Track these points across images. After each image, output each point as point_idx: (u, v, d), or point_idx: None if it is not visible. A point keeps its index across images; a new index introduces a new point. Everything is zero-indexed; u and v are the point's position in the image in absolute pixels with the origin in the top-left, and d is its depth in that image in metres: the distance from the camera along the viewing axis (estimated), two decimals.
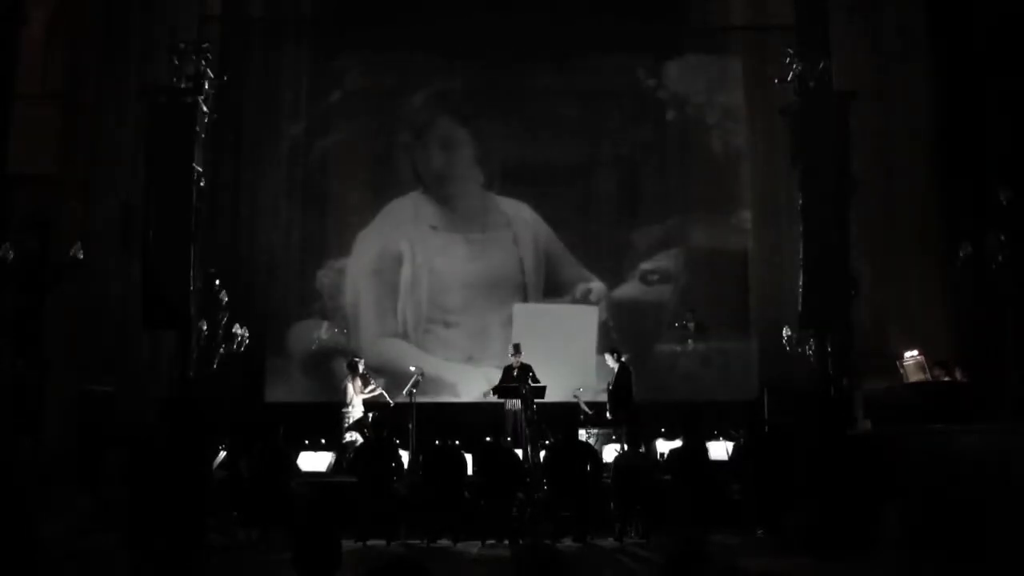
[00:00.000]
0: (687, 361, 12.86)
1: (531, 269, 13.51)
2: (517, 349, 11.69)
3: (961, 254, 8.87)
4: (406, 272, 13.46)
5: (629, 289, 13.47)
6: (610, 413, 11.31)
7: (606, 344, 12.60)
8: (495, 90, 13.70)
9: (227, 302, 11.37)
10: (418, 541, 8.64)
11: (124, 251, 10.82)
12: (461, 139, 13.74)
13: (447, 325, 13.32)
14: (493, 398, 11.38)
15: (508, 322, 13.19)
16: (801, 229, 10.17)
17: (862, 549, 7.44)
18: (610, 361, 11.58)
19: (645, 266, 13.50)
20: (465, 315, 13.33)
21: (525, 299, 13.44)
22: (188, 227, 10.18)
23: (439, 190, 13.70)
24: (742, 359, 13.06)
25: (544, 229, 13.57)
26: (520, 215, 13.60)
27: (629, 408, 11.17)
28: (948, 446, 7.33)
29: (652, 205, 13.68)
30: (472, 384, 12.69)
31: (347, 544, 4.11)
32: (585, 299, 13.45)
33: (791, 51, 10.41)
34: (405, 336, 13.32)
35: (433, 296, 13.43)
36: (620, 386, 11.36)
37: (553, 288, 13.52)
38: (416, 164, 13.74)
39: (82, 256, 9.60)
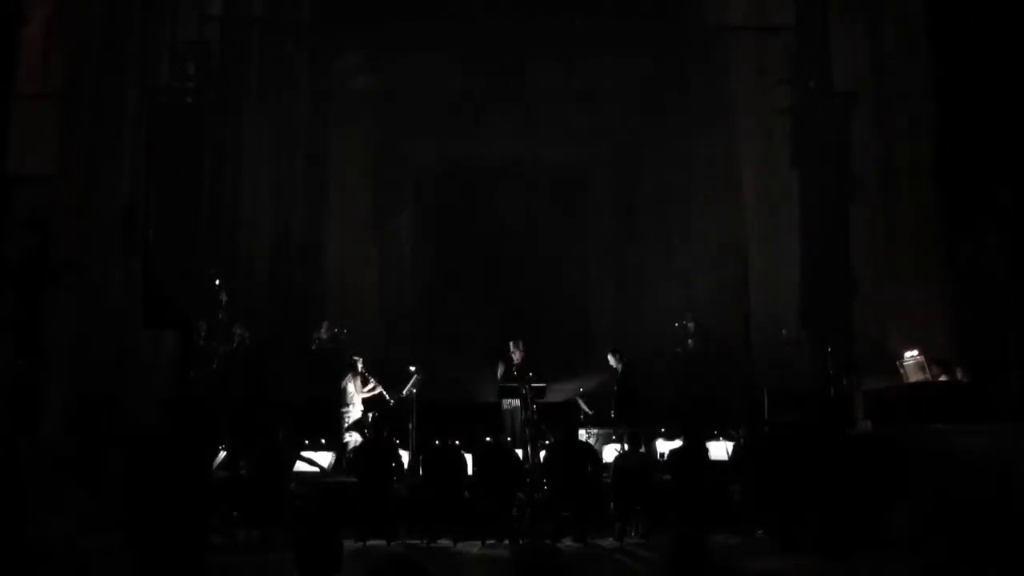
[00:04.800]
0: (689, 363, 12.85)
1: (536, 273, 13.50)
2: (518, 345, 11.68)
3: (961, 254, 8.87)
4: (410, 277, 13.45)
5: (632, 293, 13.47)
6: (616, 413, 11.26)
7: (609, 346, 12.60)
8: (496, 91, 13.68)
9: (227, 302, 11.40)
10: (418, 541, 8.63)
11: (124, 251, 10.82)
12: (462, 141, 13.73)
13: (454, 331, 13.31)
14: (500, 381, 11.33)
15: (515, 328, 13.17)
16: (801, 229, 10.20)
17: (864, 549, 7.44)
18: (613, 362, 11.57)
19: (647, 270, 13.50)
20: (472, 321, 13.30)
21: (531, 304, 13.40)
22: (188, 227, 10.21)
23: (442, 192, 13.69)
24: (742, 359, 13.05)
25: (550, 232, 13.57)
26: (526, 216, 13.59)
27: (636, 408, 11.15)
28: (948, 446, 7.33)
29: (654, 206, 13.69)
30: (479, 390, 12.60)
31: (347, 544, 4.11)
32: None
33: (791, 51, 10.44)
34: (410, 342, 13.28)
35: (439, 302, 13.41)
36: (626, 387, 11.35)
37: (558, 292, 13.51)
38: (417, 166, 13.73)
39: (82, 256, 9.60)
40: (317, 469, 9.95)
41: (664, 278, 13.44)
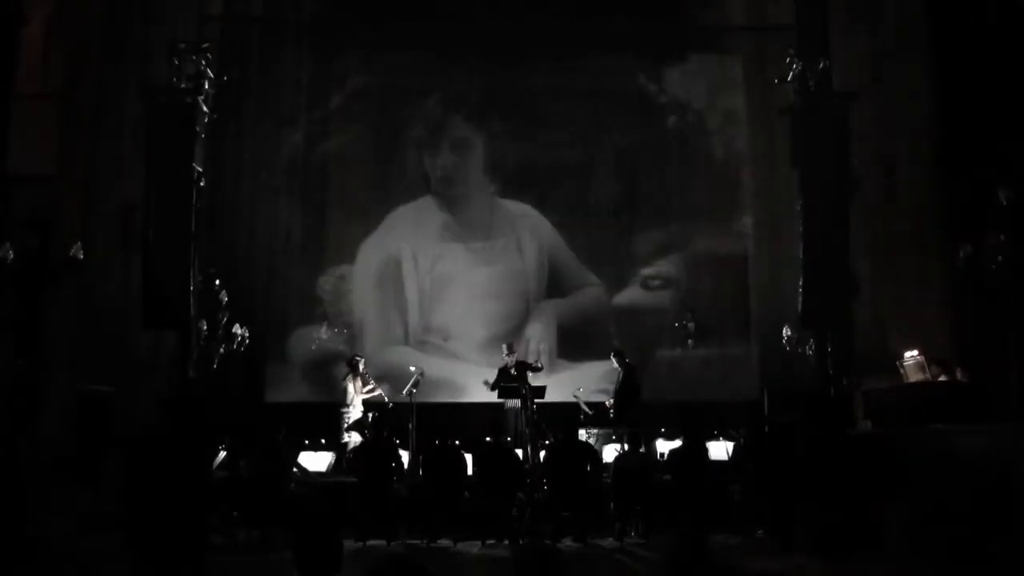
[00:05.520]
0: (687, 361, 12.85)
1: (535, 273, 13.49)
2: (510, 348, 11.69)
3: (961, 254, 8.87)
4: (409, 278, 13.43)
5: (630, 294, 13.46)
6: (618, 413, 11.25)
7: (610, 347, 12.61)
8: (495, 93, 13.68)
9: (227, 302, 11.40)
10: (418, 541, 8.62)
11: (124, 251, 10.83)
12: (461, 144, 13.72)
13: (451, 332, 13.30)
14: (490, 391, 11.34)
15: (513, 327, 13.20)
16: (801, 229, 10.19)
17: (864, 549, 7.44)
18: (615, 363, 11.59)
19: (646, 271, 13.49)
20: (470, 321, 13.30)
21: (529, 304, 13.42)
22: (188, 227, 10.21)
23: (441, 193, 13.67)
24: (742, 359, 13.04)
25: (548, 232, 13.55)
26: (524, 219, 13.58)
27: (637, 409, 11.15)
28: (948, 446, 7.34)
29: (653, 209, 13.67)
30: (478, 389, 12.60)
31: (347, 544, 4.10)
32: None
33: (791, 51, 10.44)
34: (408, 343, 13.29)
35: (437, 303, 13.40)
36: (630, 387, 11.36)
37: (556, 292, 13.51)
38: (417, 167, 13.71)
39: (82, 256, 9.60)
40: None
41: (665, 283, 13.43)
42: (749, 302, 13.27)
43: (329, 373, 12.87)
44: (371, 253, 13.50)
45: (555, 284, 13.55)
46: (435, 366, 12.77)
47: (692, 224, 13.51)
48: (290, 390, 12.99)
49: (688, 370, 12.83)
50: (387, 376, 12.35)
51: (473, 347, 13.18)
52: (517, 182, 13.62)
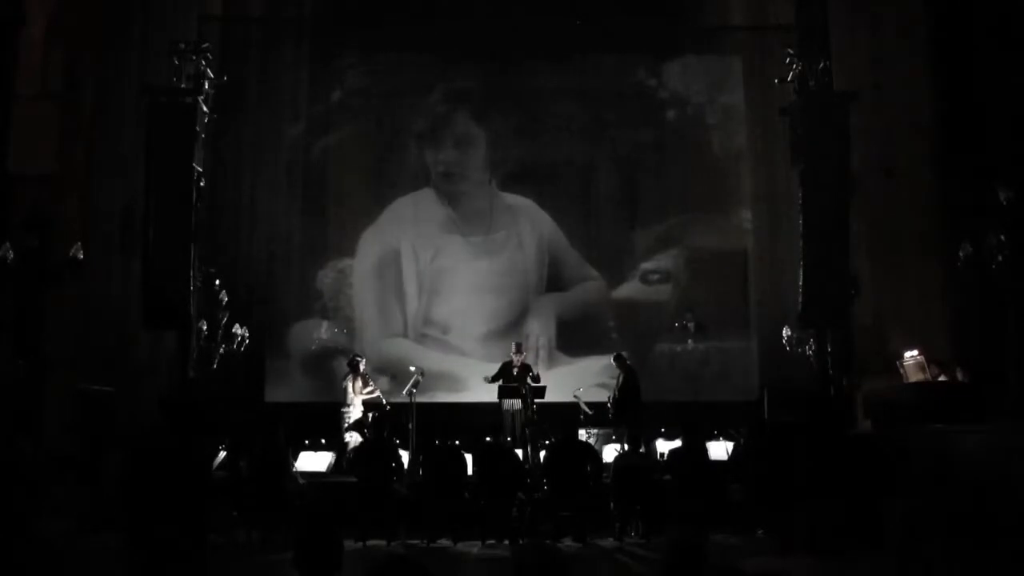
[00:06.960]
0: (687, 361, 12.86)
1: (534, 267, 13.53)
2: (519, 348, 11.69)
3: (961, 254, 8.87)
4: (409, 272, 13.45)
5: (629, 288, 13.48)
6: (617, 415, 11.25)
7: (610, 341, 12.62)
8: (495, 90, 13.70)
9: (227, 302, 11.41)
10: (418, 541, 8.63)
11: (124, 251, 10.83)
12: (461, 140, 13.74)
13: (451, 325, 13.33)
14: (490, 383, 11.35)
15: (513, 321, 13.21)
16: (801, 229, 10.20)
17: (862, 548, 7.44)
18: (615, 365, 11.59)
19: (646, 265, 13.51)
20: (469, 315, 13.33)
21: (529, 298, 13.45)
22: (188, 227, 10.23)
23: (440, 190, 13.70)
24: (742, 359, 13.05)
25: (548, 226, 13.58)
26: (524, 213, 13.60)
27: (637, 411, 11.15)
28: (948, 446, 7.32)
29: (653, 204, 13.69)
30: (477, 383, 12.61)
31: (347, 544, 4.11)
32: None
33: (791, 51, 10.45)
34: (408, 336, 13.32)
35: (437, 296, 13.42)
36: (630, 389, 11.35)
37: (556, 286, 13.54)
38: (417, 160, 13.74)
39: (82, 256, 9.61)
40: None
41: (664, 278, 13.44)
42: (749, 299, 13.29)
43: (329, 367, 12.90)
44: (371, 246, 13.52)
45: (555, 278, 13.58)
46: (435, 359, 12.81)
47: (691, 219, 13.53)
48: (290, 386, 13.01)
49: (687, 365, 12.84)
50: (386, 369, 12.40)
51: (473, 341, 13.21)
52: (517, 176, 13.64)
